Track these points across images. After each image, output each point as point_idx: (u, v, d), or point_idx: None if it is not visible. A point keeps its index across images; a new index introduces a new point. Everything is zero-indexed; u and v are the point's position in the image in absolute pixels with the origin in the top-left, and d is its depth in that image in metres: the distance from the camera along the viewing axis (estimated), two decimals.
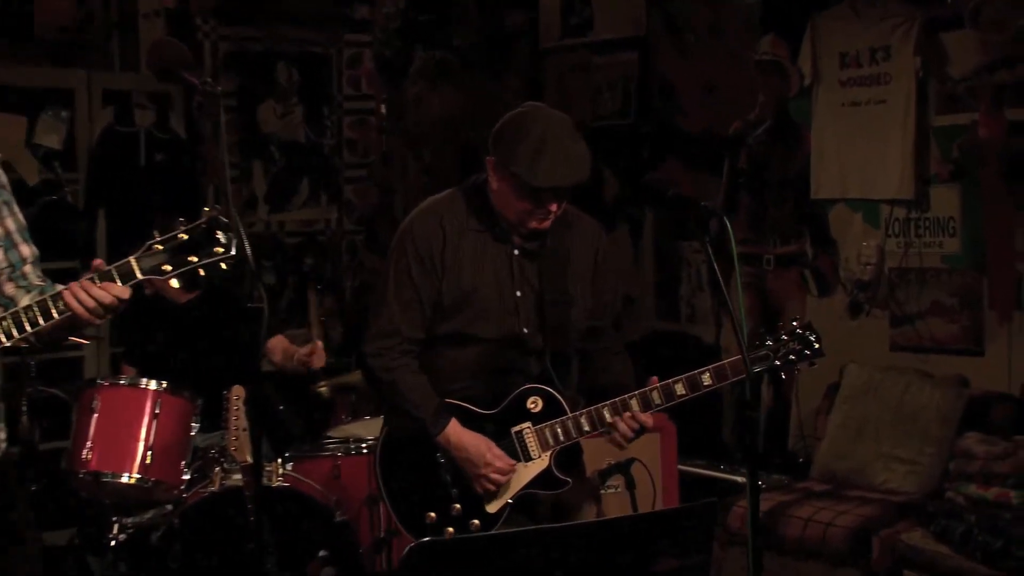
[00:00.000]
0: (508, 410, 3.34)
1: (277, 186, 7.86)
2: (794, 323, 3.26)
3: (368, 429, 5.51)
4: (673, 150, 7.05)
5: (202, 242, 2.69)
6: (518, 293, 3.31)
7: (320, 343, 4.76)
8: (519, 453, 3.33)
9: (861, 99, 6.09)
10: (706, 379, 3.24)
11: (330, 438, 5.37)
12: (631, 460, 4.57)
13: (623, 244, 7.26)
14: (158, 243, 2.71)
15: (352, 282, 8.34)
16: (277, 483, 4.46)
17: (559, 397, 3.34)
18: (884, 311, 6.11)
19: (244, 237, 2.68)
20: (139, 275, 2.73)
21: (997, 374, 5.60)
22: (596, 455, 4.54)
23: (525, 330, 3.32)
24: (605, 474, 4.66)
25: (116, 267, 2.73)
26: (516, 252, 3.32)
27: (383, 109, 7.99)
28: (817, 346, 3.24)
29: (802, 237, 6.47)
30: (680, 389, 3.25)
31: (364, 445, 5.22)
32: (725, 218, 2.93)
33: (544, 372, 3.35)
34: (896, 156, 5.94)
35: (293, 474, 4.68)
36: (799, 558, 5.13)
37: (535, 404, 3.33)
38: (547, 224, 3.25)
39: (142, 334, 4.91)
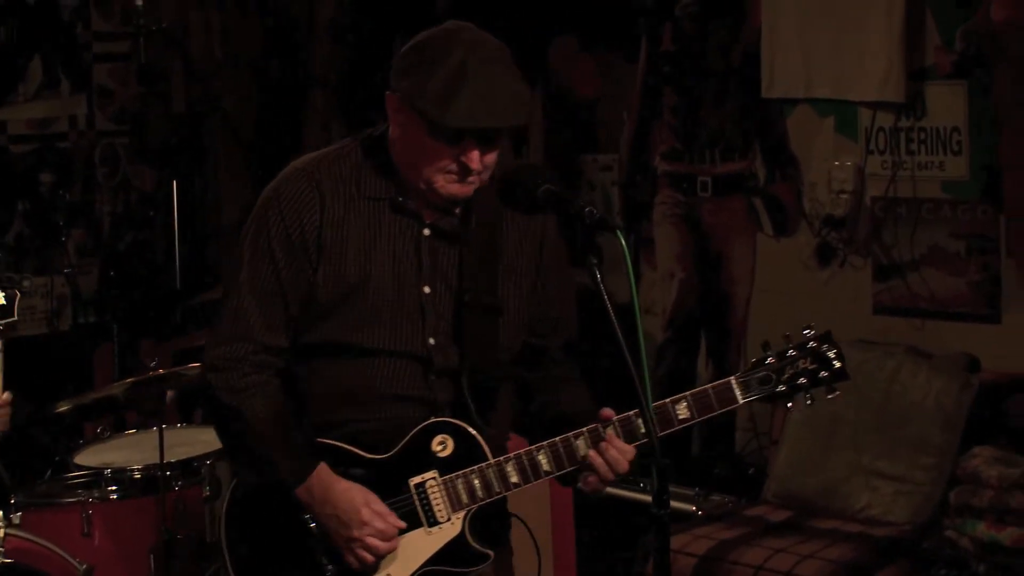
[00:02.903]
0: (406, 454, 3.32)
1: None
2: (805, 332, 3.30)
3: (138, 450, 5.38)
4: (569, 23, 6.99)
5: None
6: (426, 289, 3.31)
7: (7, 396, 4.39)
8: (420, 515, 3.32)
9: None
10: (681, 411, 3.26)
11: (78, 470, 5.28)
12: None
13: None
14: None
15: (113, 207, 8.24)
16: None
17: (476, 436, 3.33)
18: (865, 258, 6.16)
19: None
20: None
21: (1019, 349, 5.66)
22: None
23: (432, 341, 3.32)
24: None
25: None
26: (427, 232, 3.32)
27: None
28: (838, 365, 3.27)
29: (750, 152, 6.49)
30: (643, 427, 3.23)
31: (129, 477, 5.13)
32: (619, 232, 2.95)
33: (458, 401, 3.35)
34: (880, 41, 5.94)
35: (21, 535, 4.55)
36: None
37: (443, 446, 3.32)
38: (469, 189, 3.23)
39: None
